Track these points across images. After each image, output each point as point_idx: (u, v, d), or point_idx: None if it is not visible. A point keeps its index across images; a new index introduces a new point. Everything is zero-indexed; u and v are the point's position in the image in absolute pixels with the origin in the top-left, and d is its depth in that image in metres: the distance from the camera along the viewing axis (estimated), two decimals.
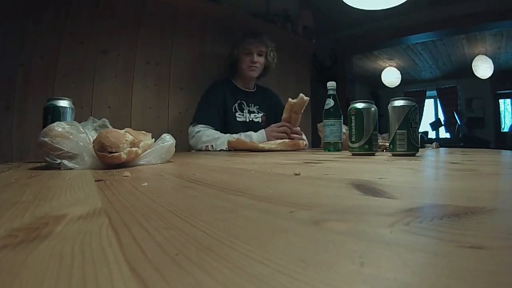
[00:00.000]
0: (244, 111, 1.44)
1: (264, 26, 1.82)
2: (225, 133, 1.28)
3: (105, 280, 0.09)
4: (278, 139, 1.14)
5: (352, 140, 0.71)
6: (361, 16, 1.81)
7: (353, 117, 0.71)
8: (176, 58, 1.47)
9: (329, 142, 0.95)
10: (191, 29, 1.52)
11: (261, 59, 1.43)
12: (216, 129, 1.30)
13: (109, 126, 0.57)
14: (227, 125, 1.36)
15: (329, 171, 0.39)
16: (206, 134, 1.26)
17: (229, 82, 1.46)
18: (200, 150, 1.25)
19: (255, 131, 1.28)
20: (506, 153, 0.76)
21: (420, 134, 0.93)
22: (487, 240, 0.12)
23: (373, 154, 0.70)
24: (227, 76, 1.51)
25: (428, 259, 0.10)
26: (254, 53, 1.40)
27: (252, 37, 1.40)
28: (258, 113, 1.47)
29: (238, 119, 1.41)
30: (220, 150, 1.20)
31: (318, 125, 1.08)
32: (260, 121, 1.47)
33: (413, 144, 0.64)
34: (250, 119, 1.44)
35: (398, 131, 0.64)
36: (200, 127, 1.29)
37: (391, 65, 4.49)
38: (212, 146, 1.23)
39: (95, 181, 0.32)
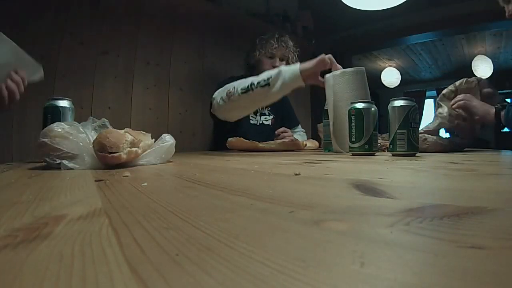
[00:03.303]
0: (257, 114, 1.39)
1: (264, 26, 1.82)
2: (235, 135, 1.10)
3: (105, 280, 0.09)
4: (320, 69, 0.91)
5: (352, 140, 0.71)
6: (361, 16, 1.81)
7: (353, 117, 0.71)
8: (176, 59, 1.47)
9: (329, 142, 0.95)
10: (190, 30, 1.52)
11: (283, 64, 1.33)
12: None
13: (109, 126, 0.57)
14: (239, 127, 1.24)
15: (329, 171, 0.39)
16: (224, 87, 1.09)
17: None
18: (230, 101, 1.04)
19: (265, 134, 1.23)
20: (506, 153, 0.76)
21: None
22: (487, 240, 0.12)
23: (373, 154, 0.70)
24: (242, 74, 1.40)
25: (428, 259, 0.10)
26: (276, 57, 1.33)
27: (276, 40, 1.32)
28: (268, 115, 1.42)
29: (251, 121, 1.36)
30: (245, 92, 0.98)
31: (318, 125, 1.08)
32: (270, 123, 1.42)
33: (413, 144, 0.64)
34: (261, 122, 1.40)
35: (398, 131, 0.64)
36: (226, 85, 1.10)
37: (390, 66, 4.49)
38: (234, 87, 1.03)
39: (95, 181, 0.32)
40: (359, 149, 0.70)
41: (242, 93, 0.99)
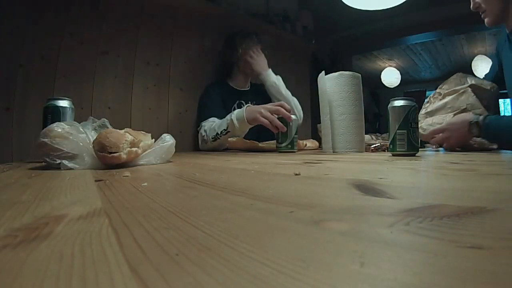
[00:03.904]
0: None
1: (264, 26, 1.82)
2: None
3: (105, 280, 0.09)
4: (260, 122, 1.05)
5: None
6: (361, 16, 1.81)
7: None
8: (176, 59, 1.46)
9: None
10: (190, 30, 1.52)
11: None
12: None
13: (109, 126, 0.57)
14: None
15: (329, 171, 0.39)
16: (200, 131, 1.27)
17: (224, 84, 1.47)
18: (214, 144, 1.23)
19: (255, 126, 1.27)
20: (506, 153, 0.76)
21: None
22: (487, 240, 0.12)
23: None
24: (219, 78, 1.52)
25: (428, 259, 0.10)
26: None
27: (249, 37, 1.44)
28: None
29: None
30: (215, 140, 1.18)
31: (318, 125, 1.08)
32: None
33: (413, 144, 0.64)
34: None
35: (398, 131, 0.64)
36: (203, 124, 1.29)
37: (390, 65, 4.49)
38: (206, 135, 1.22)
39: (95, 181, 0.32)
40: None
41: (213, 141, 1.20)
